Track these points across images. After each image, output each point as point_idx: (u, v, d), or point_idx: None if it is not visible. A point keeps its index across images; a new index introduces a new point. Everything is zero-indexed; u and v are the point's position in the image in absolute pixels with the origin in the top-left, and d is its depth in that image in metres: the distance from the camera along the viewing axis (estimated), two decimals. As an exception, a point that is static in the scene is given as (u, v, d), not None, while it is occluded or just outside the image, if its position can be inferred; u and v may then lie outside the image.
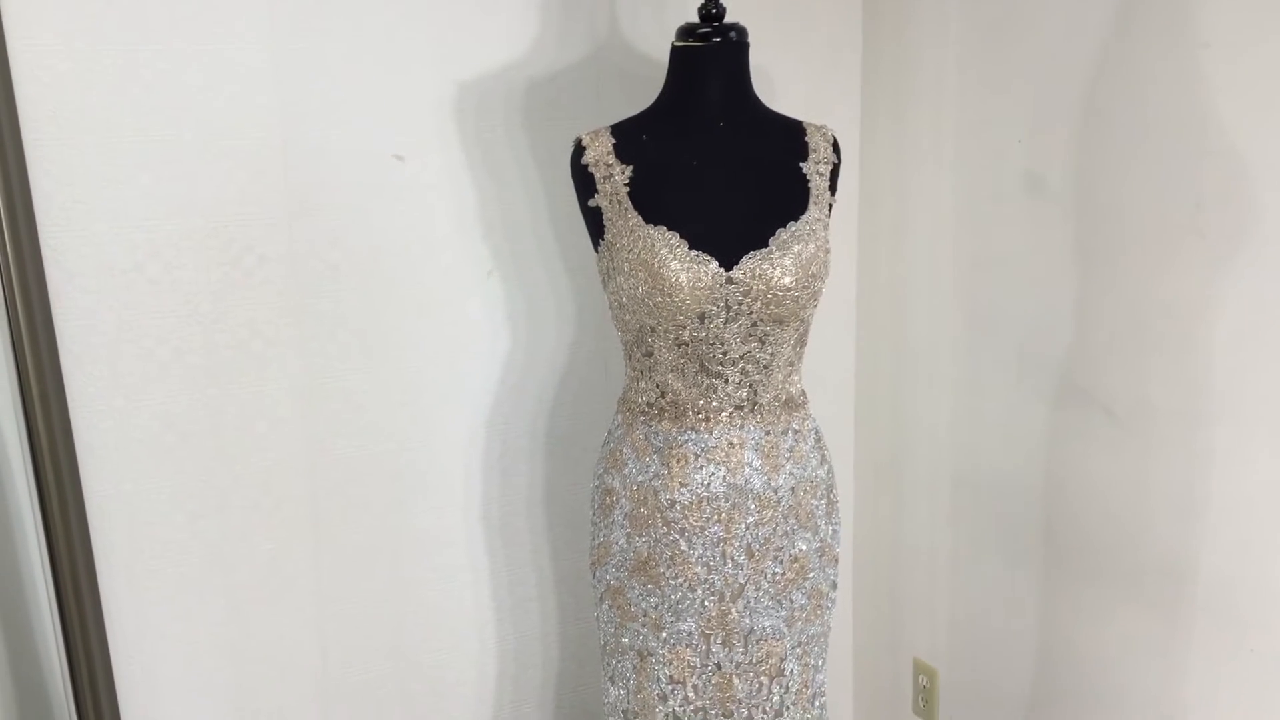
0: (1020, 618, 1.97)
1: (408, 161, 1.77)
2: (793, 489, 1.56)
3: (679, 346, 1.48)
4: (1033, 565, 1.92)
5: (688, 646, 1.56)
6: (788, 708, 1.62)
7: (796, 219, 1.51)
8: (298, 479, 1.79)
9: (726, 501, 1.52)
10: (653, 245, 1.44)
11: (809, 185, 1.56)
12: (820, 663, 1.67)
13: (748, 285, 1.45)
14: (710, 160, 1.53)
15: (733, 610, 1.55)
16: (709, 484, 1.51)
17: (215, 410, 1.70)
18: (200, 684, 1.78)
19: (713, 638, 1.56)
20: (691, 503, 1.51)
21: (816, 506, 1.60)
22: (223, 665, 1.79)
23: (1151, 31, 1.58)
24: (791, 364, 1.56)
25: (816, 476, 1.60)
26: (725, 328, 1.46)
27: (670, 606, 1.55)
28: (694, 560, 1.53)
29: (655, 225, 1.46)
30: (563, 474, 2.02)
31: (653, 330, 1.48)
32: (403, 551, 1.90)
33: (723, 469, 1.51)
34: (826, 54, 2.10)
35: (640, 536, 1.56)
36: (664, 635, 1.56)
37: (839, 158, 1.63)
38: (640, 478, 1.55)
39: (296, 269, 1.72)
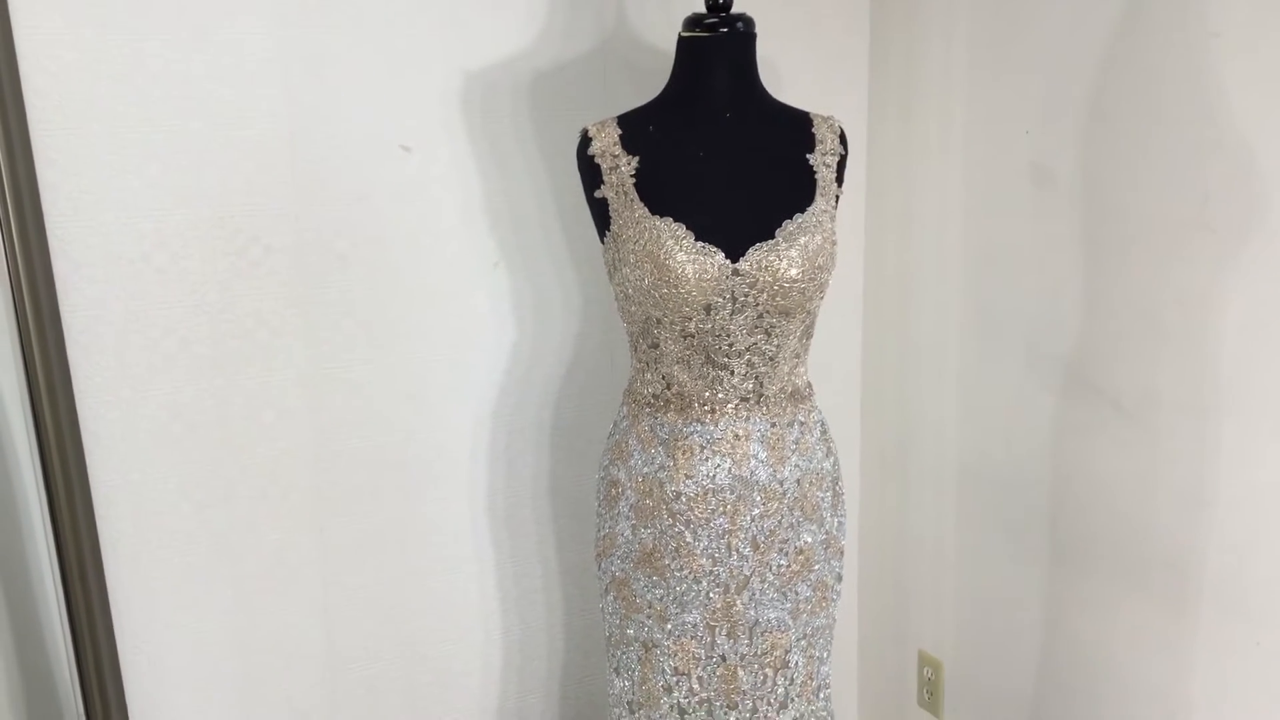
0: (1026, 610, 1.96)
1: (414, 152, 1.77)
2: (798, 481, 1.56)
3: (685, 338, 1.48)
4: (1039, 558, 1.92)
5: (693, 638, 1.56)
6: (792, 700, 1.62)
7: (803, 210, 1.50)
8: (304, 469, 1.79)
9: (732, 493, 1.52)
10: (659, 237, 1.44)
11: (816, 177, 1.56)
12: (825, 655, 1.67)
13: (754, 277, 1.44)
14: (717, 151, 1.53)
15: (738, 602, 1.55)
16: (714, 476, 1.51)
17: (222, 400, 1.71)
18: (207, 673, 1.78)
19: (718, 629, 1.56)
20: (697, 494, 1.51)
21: (822, 499, 1.60)
22: (229, 655, 1.79)
23: (1161, 21, 1.57)
24: (797, 356, 1.56)
25: (822, 469, 1.60)
26: (731, 319, 1.46)
27: (675, 598, 1.55)
28: (699, 552, 1.53)
29: (661, 216, 1.46)
30: (568, 465, 2.02)
31: (659, 322, 1.48)
32: (409, 542, 1.90)
33: (728, 461, 1.51)
34: (834, 44, 2.09)
35: (646, 528, 1.56)
36: (669, 627, 1.56)
37: (846, 149, 1.63)
38: (646, 469, 1.55)
39: (303, 259, 1.72)
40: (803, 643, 1.61)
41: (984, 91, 1.89)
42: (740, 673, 1.58)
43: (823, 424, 1.63)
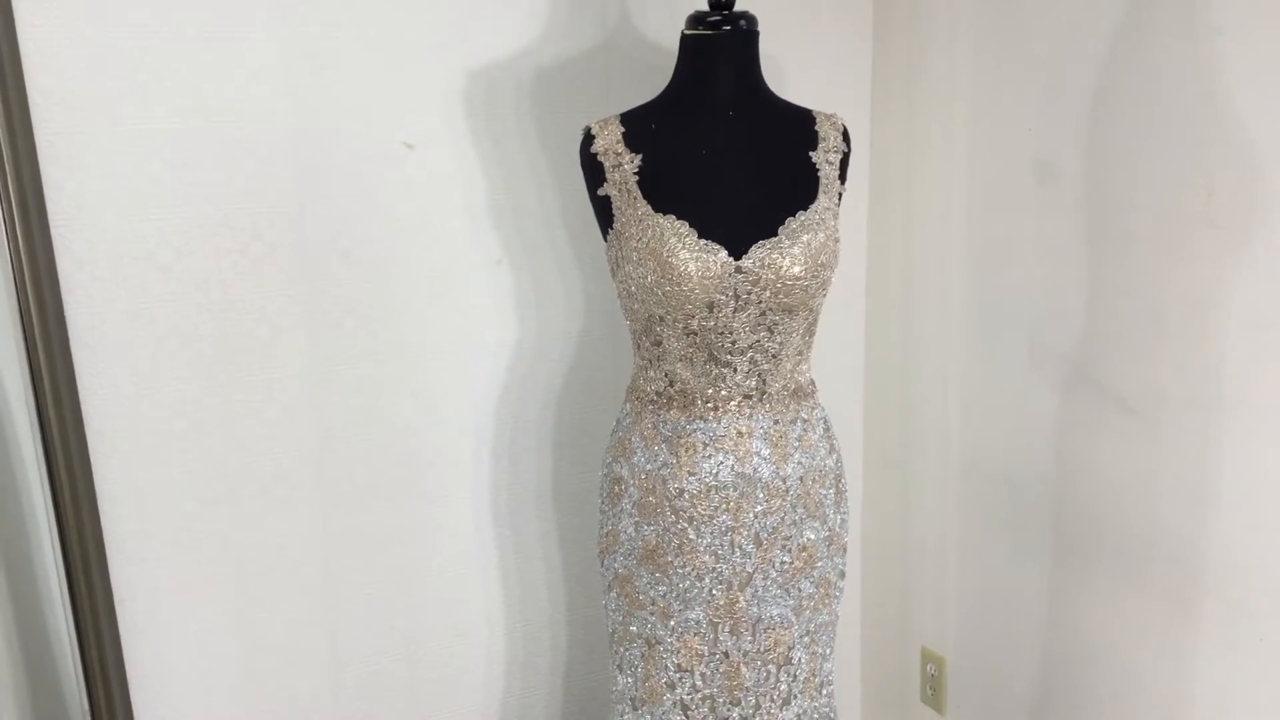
0: (1029, 607, 1.96)
1: (417, 150, 1.77)
2: (801, 478, 1.56)
3: (688, 335, 1.48)
4: (1042, 554, 1.92)
5: (696, 635, 1.57)
6: (795, 696, 1.62)
7: (806, 208, 1.51)
8: (307, 467, 1.79)
9: (735, 490, 1.52)
10: (662, 234, 1.44)
11: (818, 174, 1.56)
12: (828, 651, 1.67)
13: (757, 274, 1.44)
14: (720, 149, 1.53)
15: (741, 599, 1.55)
16: (717, 473, 1.51)
17: (225, 398, 1.71)
18: (211, 671, 1.79)
19: (721, 626, 1.56)
20: (700, 491, 1.52)
21: (825, 495, 1.60)
22: (233, 652, 1.80)
23: (1164, 18, 1.57)
24: (800, 353, 1.56)
25: (825, 466, 1.60)
26: (734, 317, 1.46)
27: (678, 595, 1.55)
28: (702, 549, 1.53)
29: (664, 214, 1.46)
30: (571, 462, 2.02)
31: (661, 319, 1.48)
32: (412, 539, 1.90)
33: (731, 458, 1.51)
34: (837, 42, 2.09)
35: (649, 525, 1.56)
36: (672, 623, 1.57)
37: (849, 146, 1.63)
38: (649, 466, 1.55)
39: (306, 257, 1.72)
40: (806, 639, 1.62)
41: (987, 88, 1.89)
42: (743, 669, 1.58)
43: (825, 421, 1.63)
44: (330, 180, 1.72)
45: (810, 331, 1.57)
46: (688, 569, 1.54)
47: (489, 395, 1.92)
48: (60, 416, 1.56)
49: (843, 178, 1.60)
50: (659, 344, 1.52)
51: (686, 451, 1.52)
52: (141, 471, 1.67)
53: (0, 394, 1.59)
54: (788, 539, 1.56)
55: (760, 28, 1.56)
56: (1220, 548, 1.62)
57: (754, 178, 1.53)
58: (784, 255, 1.45)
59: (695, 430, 1.52)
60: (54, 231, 1.54)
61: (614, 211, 1.51)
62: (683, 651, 1.57)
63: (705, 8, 1.54)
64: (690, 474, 1.52)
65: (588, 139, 1.54)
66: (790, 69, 2.00)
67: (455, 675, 2.00)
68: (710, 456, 1.51)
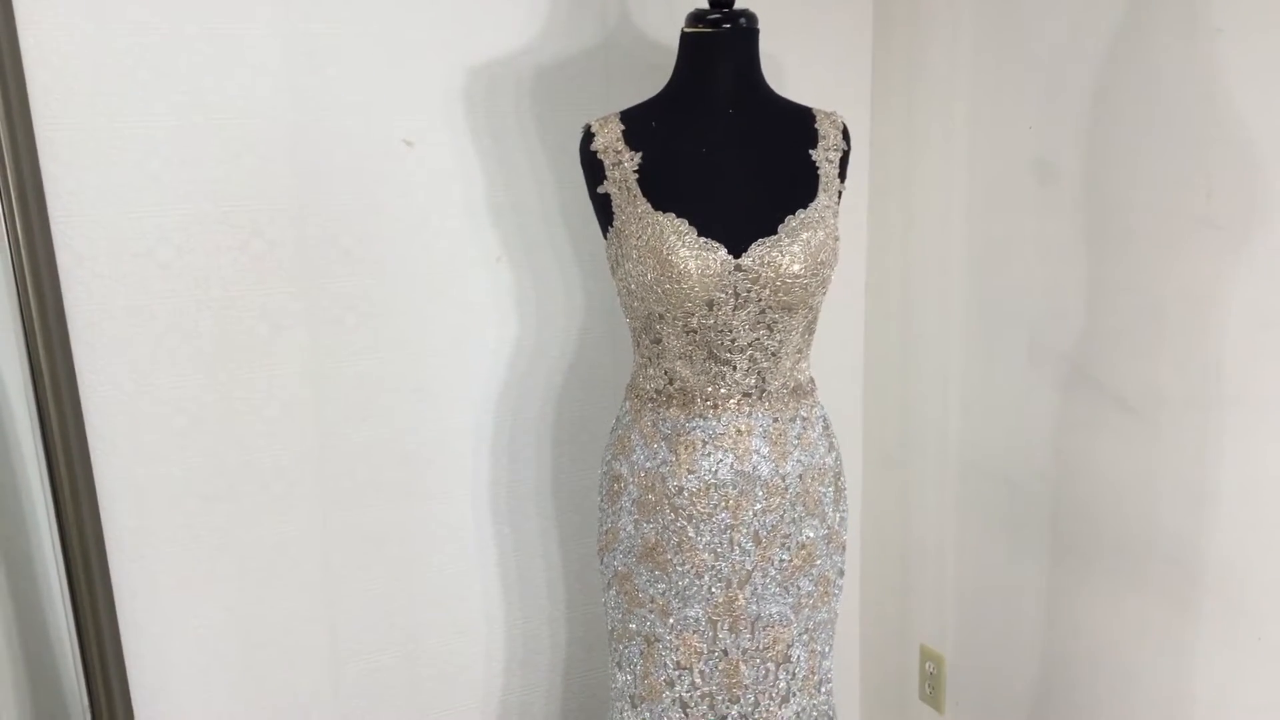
0: (1028, 605, 1.97)
1: (416, 147, 1.77)
2: (800, 476, 1.56)
3: (687, 333, 1.48)
4: (1041, 553, 1.92)
5: (695, 632, 1.57)
6: (794, 694, 1.62)
7: (806, 206, 1.51)
8: (307, 464, 1.79)
9: (734, 488, 1.52)
10: (661, 232, 1.44)
11: (818, 172, 1.56)
12: (827, 649, 1.67)
13: (756, 272, 1.44)
14: (719, 147, 1.53)
15: (740, 597, 1.56)
16: (717, 471, 1.51)
17: (225, 395, 1.71)
18: (210, 667, 1.79)
19: (720, 624, 1.56)
20: (699, 489, 1.52)
21: (824, 494, 1.60)
22: (233, 649, 1.80)
23: (1164, 17, 1.57)
24: (800, 351, 1.56)
25: (824, 464, 1.61)
26: (734, 315, 1.46)
27: (678, 593, 1.56)
28: (701, 547, 1.53)
29: (664, 212, 1.46)
30: (571, 460, 2.02)
31: (661, 317, 1.48)
32: (411, 536, 1.91)
33: (730, 456, 1.52)
34: (837, 40, 2.09)
35: (648, 523, 1.56)
36: (671, 621, 1.57)
37: (849, 145, 1.63)
38: (648, 464, 1.56)
39: (305, 254, 1.72)
40: (804, 637, 1.62)
41: (987, 87, 1.89)
42: (742, 667, 1.58)
43: (825, 419, 1.63)
44: (330, 177, 1.72)
45: (810, 330, 1.57)
46: (687, 567, 1.54)
47: (488, 392, 1.92)
48: (60, 413, 1.56)
49: (842, 176, 1.60)
50: (658, 342, 1.52)
51: (686, 449, 1.52)
52: (141, 468, 1.68)
53: (1, 390, 1.59)
54: (787, 537, 1.56)
55: (760, 25, 1.56)
56: (1219, 546, 1.62)
57: (754, 176, 1.53)
58: (784, 253, 1.45)
59: (695, 428, 1.52)
60: (54, 228, 1.54)
61: (614, 209, 1.51)
62: (682, 649, 1.57)
63: (705, 5, 1.54)
64: (689, 472, 1.52)
65: (587, 137, 1.54)
66: (790, 67, 2.00)
67: (455, 672, 2.00)
68: (709, 454, 1.51)
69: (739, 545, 1.54)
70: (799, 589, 1.59)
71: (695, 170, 1.51)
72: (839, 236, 1.54)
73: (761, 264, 1.44)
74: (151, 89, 1.57)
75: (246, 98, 1.64)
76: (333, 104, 1.70)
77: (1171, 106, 1.58)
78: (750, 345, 1.49)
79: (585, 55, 1.86)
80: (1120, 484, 1.75)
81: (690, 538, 1.53)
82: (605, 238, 1.55)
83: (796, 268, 1.46)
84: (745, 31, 1.54)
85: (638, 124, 1.53)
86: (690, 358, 1.50)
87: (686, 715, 1.59)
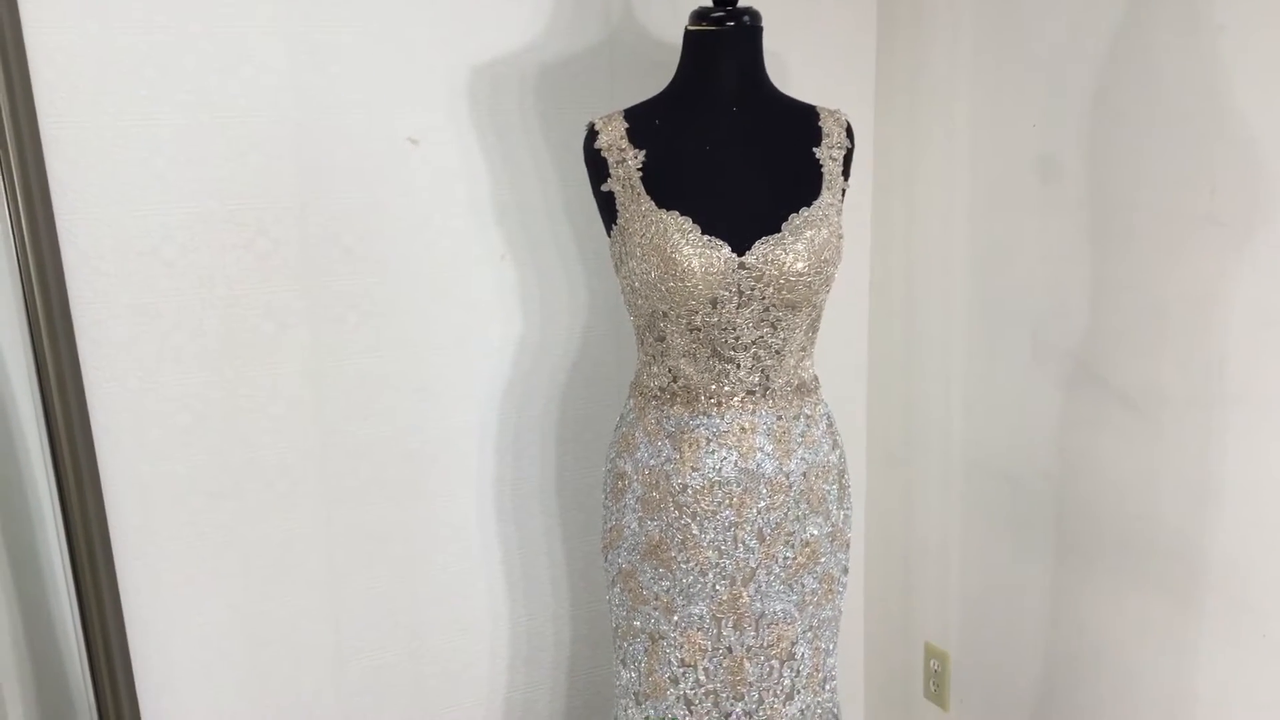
0: (1032, 603, 1.97)
1: (421, 145, 1.77)
2: (804, 474, 1.56)
3: (691, 331, 1.48)
4: (1045, 550, 1.92)
5: (699, 630, 1.57)
6: (799, 691, 1.62)
7: (809, 204, 1.51)
8: (311, 462, 1.80)
9: (738, 486, 1.52)
10: (665, 230, 1.44)
11: (822, 170, 1.56)
12: (831, 646, 1.67)
13: (760, 270, 1.45)
14: (723, 145, 1.53)
15: (744, 594, 1.56)
16: (721, 468, 1.52)
17: (229, 392, 1.71)
18: (215, 664, 1.79)
19: (724, 621, 1.56)
20: (703, 487, 1.52)
21: (828, 491, 1.60)
22: (237, 646, 1.80)
23: (1167, 14, 1.57)
24: (804, 349, 1.56)
25: (828, 461, 1.61)
26: (738, 313, 1.46)
27: (682, 590, 1.56)
28: (705, 544, 1.53)
29: (668, 210, 1.46)
30: (575, 458, 2.02)
31: (665, 315, 1.48)
32: (415, 534, 1.91)
33: (734, 453, 1.52)
34: (840, 38, 2.09)
35: (652, 520, 1.56)
36: (675, 618, 1.57)
37: (852, 142, 1.63)
38: (652, 462, 1.56)
39: (309, 252, 1.72)
40: (809, 634, 1.62)
41: (990, 85, 1.89)
42: (746, 664, 1.58)
43: (829, 417, 1.63)
44: (334, 176, 1.72)
45: (814, 328, 1.57)
46: (691, 564, 1.54)
47: (492, 391, 1.93)
48: (65, 410, 1.57)
49: (846, 174, 1.60)
50: (662, 339, 1.52)
51: (690, 447, 1.52)
52: (146, 465, 1.68)
53: (6, 388, 1.59)
54: (791, 534, 1.57)
55: (764, 24, 1.56)
56: (1222, 544, 1.62)
57: (758, 173, 1.53)
58: (787, 251, 1.45)
59: (699, 426, 1.52)
60: (59, 225, 1.54)
61: (618, 207, 1.51)
62: (686, 646, 1.58)
63: (709, 3, 1.54)
64: (694, 469, 1.52)
65: (591, 135, 1.54)
66: (794, 65, 2.00)
67: (459, 670, 2.01)
68: (714, 452, 1.52)
69: (743, 543, 1.54)
70: (803, 586, 1.59)
71: (699, 168, 1.51)
72: (843, 234, 1.54)
73: (765, 262, 1.44)
74: (156, 87, 1.58)
75: (251, 96, 1.64)
76: (337, 102, 1.70)
77: (1174, 104, 1.58)
78: (754, 343, 1.49)
79: (589, 53, 1.86)
80: (1124, 482, 1.75)
81: (694, 535, 1.53)
82: (609, 236, 1.55)
83: (800, 266, 1.46)
84: (749, 29, 1.54)
85: (641, 122, 1.54)
86: (694, 355, 1.50)
87: (691, 712, 1.59)
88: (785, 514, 1.55)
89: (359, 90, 1.71)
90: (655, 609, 1.58)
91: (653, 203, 1.47)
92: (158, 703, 1.75)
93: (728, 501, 1.52)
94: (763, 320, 1.48)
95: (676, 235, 1.44)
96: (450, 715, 2.02)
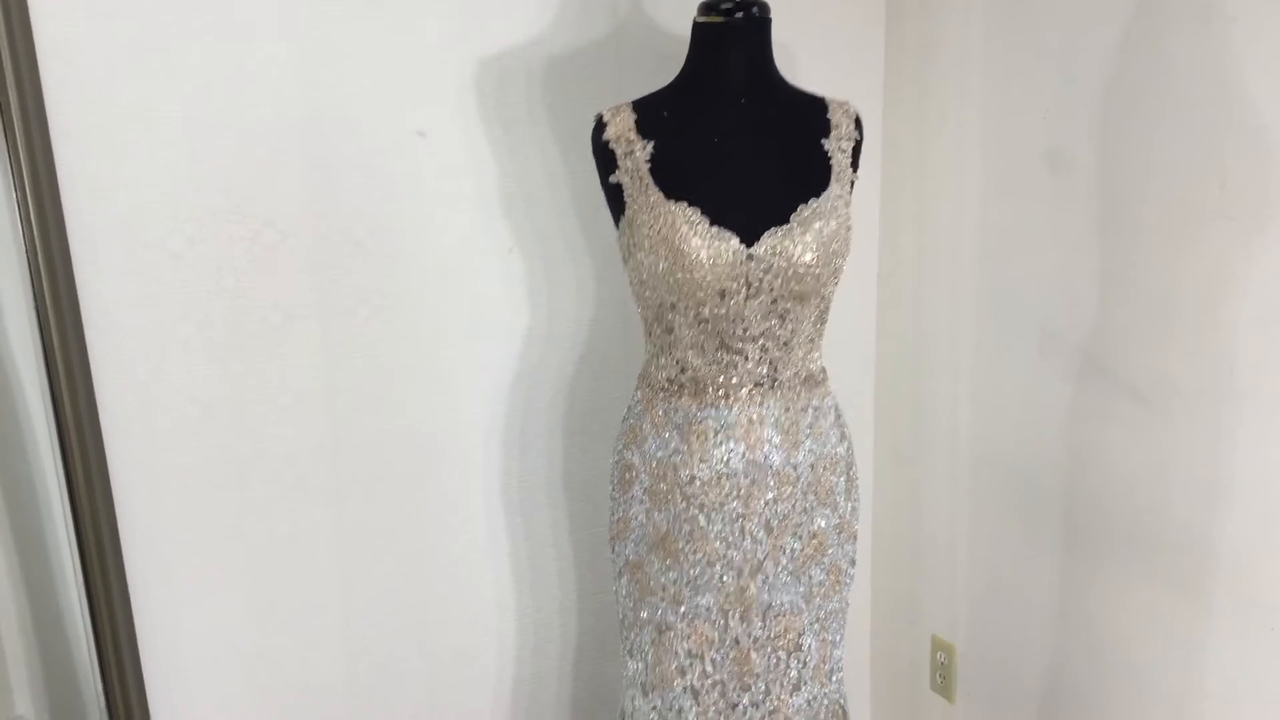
0: (1039, 596, 1.97)
1: (429, 137, 1.77)
2: (812, 465, 1.56)
3: (699, 323, 1.48)
4: (1053, 543, 1.92)
5: (706, 621, 1.57)
6: (805, 682, 1.62)
7: (818, 195, 1.50)
8: (319, 453, 1.80)
9: (746, 478, 1.52)
10: (673, 222, 1.44)
11: (831, 162, 1.55)
12: (838, 638, 1.67)
13: (769, 262, 1.44)
14: (732, 136, 1.53)
15: (751, 586, 1.56)
16: (728, 460, 1.52)
17: (238, 385, 1.71)
18: (224, 655, 1.80)
19: (731, 613, 1.57)
20: (711, 479, 1.52)
21: (836, 483, 1.60)
22: (246, 638, 1.81)
23: (1178, 5, 1.56)
24: (812, 341, 1.56)
25: (836, 453, 1.61)
26: (746, 304, 1.46)
27: (689, 581, 1.56)
28: (713, 536, 1.54)
29: (676, 201, 1.46)
30: (582, 449, 2.03)
31: (673, 307, 1.48)
32: (423, 525, 1.91)
33: (742, 445, 1.52)
34: (849, 30, 2.08)
35: (659, 512, 1.56)
36: (682, 610, 1.57)
37: (861, 134, 1.63)
38: (660, 453, 1.56)
39: (317, 244, 1.73)
40: (816, 626, 1.62)
41: (1000, 76, 1.88)
42: (753, 655, 1.58)
43: (837, 409, 1.63)
44: (342, 168, 1.72)
45: (822, 319, 1.57)
46: (698, 556, 1.54)
47: (500, 383, 1.93)
48: (74, 402, 1.57)
49: (855, 165, 1.60)
50: (670, 331, 1.52)
51: (698, 438, 1.52)
52: (155, 458, 1.68)
53: (15, 379, 1.60)
54: (798, 526, 1.56)
55: (772, 15, 1.56)
56: (1231, 538, 1.62)
57: (766, 165, 1.53)
58: (796, 243, 1.45)
59: (706, 417, 1.52)
60: (67, 217, 1.54)
61: (626, 199, 1.51)
62: (693, 638, 1.58)
63: (717, -5, 1.54)
64: (701, 461, 1.52)
65: (599, 126, 1.54)
66: (802, 56, 2.00)
67: (466, 661, 2.01)
68: (721, 444, 1.52)
69: (750, 534, 1.54)
70: (810, 578, 1.59)
71: (707, 159, 1.51)
72: (851, 226, 1.53)
73: (774, 253, 1.44)
74: (163, 80, 1.58)
75: (258, 88, 1.64)
76: (344, 95, 1.70)
77: (1185, 96, 1.57)
78: (762, 335, 1.49)
79: (597, 45, 1.85)
80: (1132, 476, 1.75)
81: (702, 527, 1.53)
82: (617, 227, 1.55)
83: (809, 257, 1.45)
84: (757, 21, 1.54)
85: (650, 113, 1.53)
86: (702, 347, 1.50)
87: (698, 703, 1.60)
88: (793, 506, 1.55)
89: (366, 82, 1.71)
90: (662, 600, 1.59)
91: (661, 194, 1.47)
92: (166, 693, 1.76)
93: (735, 493, 1.52)
94: (771, 312, 1.48)
95: (685, 226, 1.43)
96: (458, 706, 2.02)
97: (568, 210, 1.90)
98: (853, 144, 1.59)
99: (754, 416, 1.52)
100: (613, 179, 1.53)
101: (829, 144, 1.57)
